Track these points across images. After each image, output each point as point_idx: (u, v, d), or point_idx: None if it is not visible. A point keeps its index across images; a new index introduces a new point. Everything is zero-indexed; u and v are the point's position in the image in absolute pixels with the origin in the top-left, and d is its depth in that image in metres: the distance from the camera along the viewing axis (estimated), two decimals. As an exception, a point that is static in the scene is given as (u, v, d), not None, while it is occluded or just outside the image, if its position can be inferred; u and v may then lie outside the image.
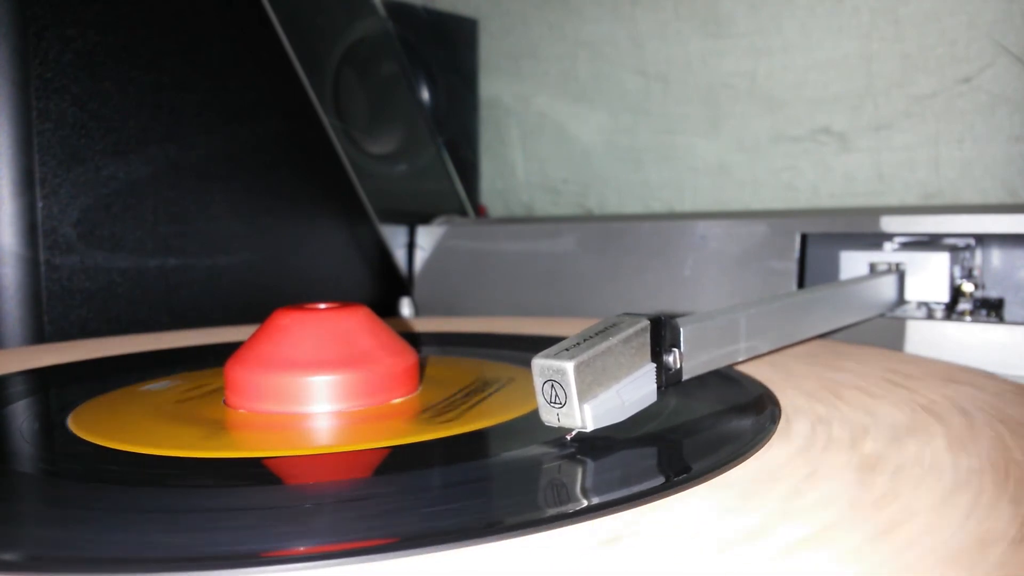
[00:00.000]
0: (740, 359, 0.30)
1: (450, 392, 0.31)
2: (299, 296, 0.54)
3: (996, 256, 0.44)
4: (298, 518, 0.19)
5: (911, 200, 0.57)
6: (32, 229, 0.44)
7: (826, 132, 0.60)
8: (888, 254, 0.45)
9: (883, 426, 0.24)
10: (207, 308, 0.52)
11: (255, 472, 0.23)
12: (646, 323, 0.24)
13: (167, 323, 0.50)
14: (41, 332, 0.45)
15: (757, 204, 0.63)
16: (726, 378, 0.31)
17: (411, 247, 0.64)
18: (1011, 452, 0.22)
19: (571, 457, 0.22)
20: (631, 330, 0.24)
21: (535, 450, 0.23)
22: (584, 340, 0.23)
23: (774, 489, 0.19)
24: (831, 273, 0.47)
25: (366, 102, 0.65)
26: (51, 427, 0.29)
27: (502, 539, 0.16)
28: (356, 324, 0.31)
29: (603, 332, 0.23)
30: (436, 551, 0.16)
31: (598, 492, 0.20)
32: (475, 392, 0.31)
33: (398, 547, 0.16)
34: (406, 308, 0.63)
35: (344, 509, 0.19)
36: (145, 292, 0.49)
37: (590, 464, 0.22)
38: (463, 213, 0.71)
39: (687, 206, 0.67)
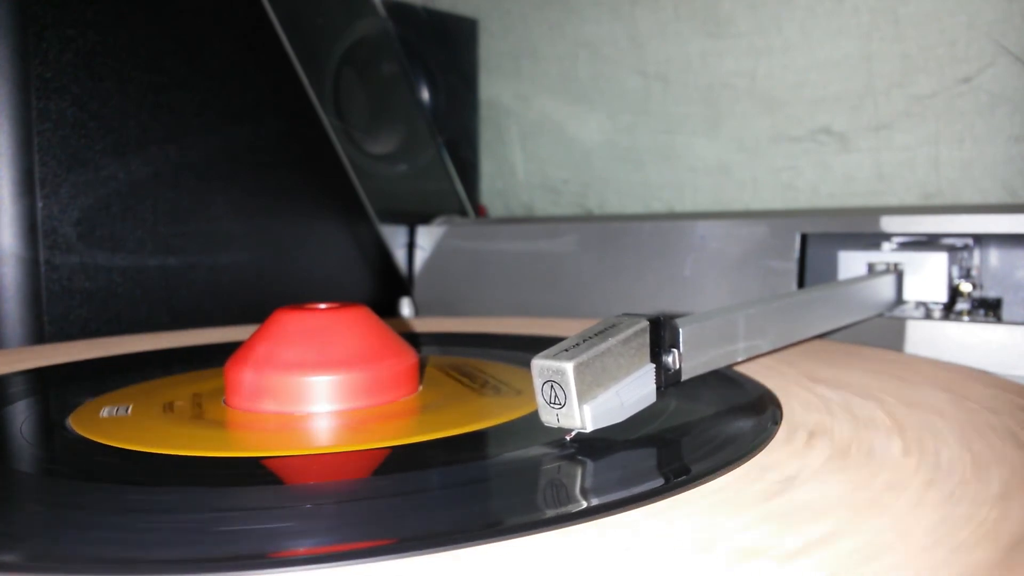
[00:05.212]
0: (740, 359, 0.30)
1: (453, 390, 0.31)
2: (299, 296, 0.54)
3: (994, 256, 0.44)
4: (298, 518, 0.19)
5: (911, 200, 0.57)
6: (32, 229, 0.44)
7: (826, 132, 0.60)
8: (886, 254, 0.45)
9: (883, 426, 0.24)
10: (207, 308, 0.52)
11: (255, 472, 0.23)
12: (645, 324, 0.24)
13: (167, 323, 0.50)
14: (41, 332, 0.45)
15: (757, 204, 0.63)
16: (726, 378, 0.31)
17: (411, 247, 0.64)
18: None
19: (571, 458, 0.22)
20: (630, 331, 0.24)
21: (535, 450, 0.23)
22: (583, 340, 0.23)
23: (775, 490, 0.19)
24: (831, 273, 0.47)
25: (366, 102, 0.65)
26: (51, 427, 0.29)
27: (502, 539, 0.17)
28: (356, 324, 0.31)
29: (602, 333, 0.23)
30: (436, 551, 0.16)
31: (598, 493, 0.20)
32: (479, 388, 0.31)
33: (398, 547, 0.16)
34: (406, 308, 0.63)
35: (344, 509, 0.19)
36: (145, 292, 0.49)
37: (590, 465, 0.22)
38: (463, 213, 0.71)
39: (687, 206, 0.67)
